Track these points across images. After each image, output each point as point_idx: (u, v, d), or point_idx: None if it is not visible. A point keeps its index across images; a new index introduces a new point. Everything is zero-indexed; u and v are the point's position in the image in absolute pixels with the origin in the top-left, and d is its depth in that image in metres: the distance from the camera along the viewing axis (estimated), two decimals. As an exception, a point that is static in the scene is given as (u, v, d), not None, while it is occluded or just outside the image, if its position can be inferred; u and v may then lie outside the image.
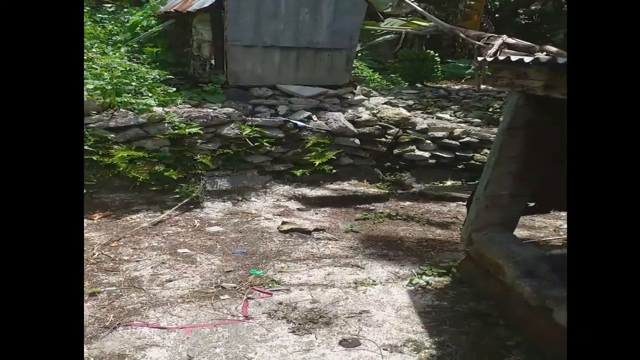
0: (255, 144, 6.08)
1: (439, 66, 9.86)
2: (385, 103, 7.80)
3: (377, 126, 6.75)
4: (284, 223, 5.06)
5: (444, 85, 9.83)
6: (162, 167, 5.48)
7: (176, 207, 5.35)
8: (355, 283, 3.86)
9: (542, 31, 13.65)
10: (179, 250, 4.44)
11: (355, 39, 7.11)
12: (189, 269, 4.09)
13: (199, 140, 5.81)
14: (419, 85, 9.61)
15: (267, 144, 6.12)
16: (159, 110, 5.80)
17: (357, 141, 6.55)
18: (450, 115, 7.80)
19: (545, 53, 7.43)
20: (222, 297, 3.61)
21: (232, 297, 3.61)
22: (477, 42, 8.33)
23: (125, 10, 8.95)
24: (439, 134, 6.94)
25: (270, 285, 3.81)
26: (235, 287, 3.76)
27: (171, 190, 5.49)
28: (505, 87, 3.52)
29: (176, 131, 5.67)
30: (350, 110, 6.89)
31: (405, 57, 9.62)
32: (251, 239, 4.75)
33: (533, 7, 14.00)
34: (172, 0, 8.30)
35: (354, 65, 8.17)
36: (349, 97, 7.19)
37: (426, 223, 5.32)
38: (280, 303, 3.53)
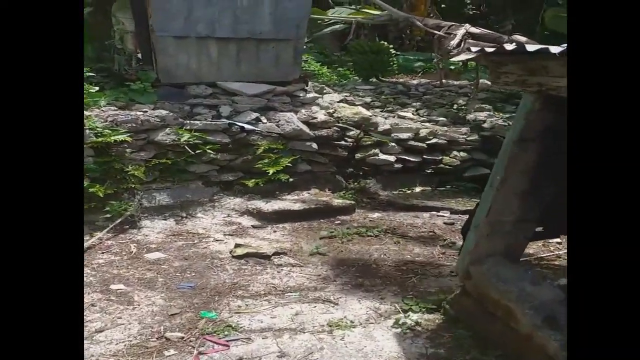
0: (197, 151, 5.44)
1: (394, 59, 9.43)
2: (341, 101, 7.29)
3: (335, 128, 6.23)
4: (237, 246, 4.45)
5: (401, 80, 9.43)
6: (86, 182, 4.76)
7: (108, 228, 4.65)
8: (330, 325, 3.29)
9: (490, 22, 13.67)
10: (112, 287, 3.77)
11: (303, 28, 6.57)
12: (124, 312, 3.44)
13: (128, 149, 5.12)
14: (374, 80, 9.16)
15: (211, 151, 5.49)
16: (77, 114, 5.06)
17: (314, 145, 6.01)
18: (413, 114, 7.37)
19: (514, 44, 7.11)
20: (166, 354, 2.97)
21: (179, 353, 2.98)
22: (436, 32, 7.95)
23: None
24: (404, 136, 6.49)
25: (226, 332, 3.19)
26: (182, 338, 3.13)
27: (100, 209, 4.78)
28: (513, 85, 3.05)
29: (100, 139, 4.96)
30: (303, 110, 6.34)
31: (357, 49, 9.14)
32: (199, 268, 4.11)
33: None
34: (90, -16, 7.53)
35: (303, 59, 7.61)
36: (301, 94, 6.64)
37: (401, 239, 4.83)
38: (240, 358, 2.93)
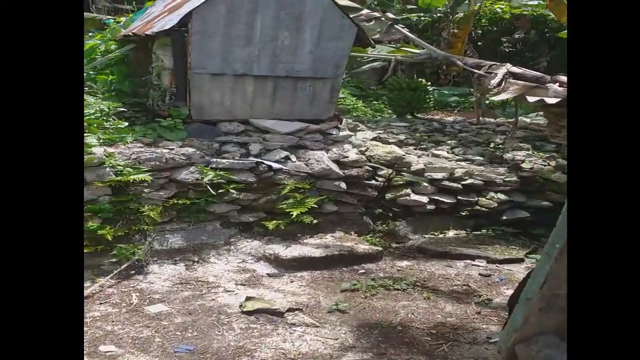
0: (219, 190, 4.75)
1: (431, 96, 8.60)
2: (374, 138, 6.52)
3: (366, 167, 5.45)
4: (248, 299, 3.71)
5: (436, 117, 8.58)
6: (97, 223, 4.13)
7: (112, 274, 3.99)
8: (343, 412, 2.50)
9: (525, 59, 12.87)
10: (101, 348, 3.07)
11: (341, 68, 5.85)
12: (107, 383, 2.73)
13: (146, 189, 4.47)
14: (409, 116, 8.35)
15: (234, 191, 4.79)
16: (99, 151, 4.47)
17: (342, 185, 5.24)
18: (448, 152, 6.53)
19: (558, 84, 6.21)
20: None
21: None
22: (476, 71, 7.11)
23: (90, 34, 7.67)
24: (438, 175, 5.65)
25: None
26: None
27: (108, 252, 4.14)
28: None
29: (119, 177, 4.34)
30: (334, 149, 5.59)
31: (395, 86, 8.37)
32: (203, 326, 3.38)
33: (516, 36, 13.05)
34: (136, 22, 7.04)
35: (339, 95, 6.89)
36: (334, 132, 5.91)
37: (431, 294, 3.98)
38: None
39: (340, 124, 6.10)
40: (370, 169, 5.45)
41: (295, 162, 5.25)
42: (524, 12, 12.59)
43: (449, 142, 6.96)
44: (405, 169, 5.64)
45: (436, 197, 5.56)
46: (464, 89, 11.84)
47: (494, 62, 7.14)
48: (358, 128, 6.81)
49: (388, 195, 5.46)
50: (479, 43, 12.64)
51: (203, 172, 4.76)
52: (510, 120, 7.99)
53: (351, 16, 6.09)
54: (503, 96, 6.37)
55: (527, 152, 6.60)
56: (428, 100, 8.44)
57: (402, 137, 6.91)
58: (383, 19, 8.69)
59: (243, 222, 4.93)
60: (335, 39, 5.63)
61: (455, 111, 9.45)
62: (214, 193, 4.70)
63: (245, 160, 5.06)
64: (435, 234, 5.39)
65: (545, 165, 6.21)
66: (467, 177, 5.76)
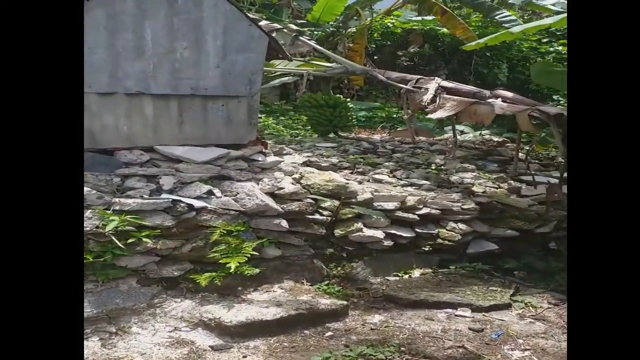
0: (129, 240, 3.86)
1: (353, 113, 8.19)
2: (305, 163, 5.92)
3: (308, 200, 4.80)
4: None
5: (363, 136, 8.17)
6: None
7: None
8: None
9: (424, 72, 13.27)
10: None
11: (256, 84, 5.17)
12: None
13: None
14: (333, 135, 7.86)
15: (148, 240, 3.92)
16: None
17: (283, 223, 4.54)
18: (389, 176, 6.08)
19: (500, 99, 6.03)
20: None
21: None
22: (402, 86, 6.79)
23: None
24: (389, 205, 5.14)
25: None
26: None
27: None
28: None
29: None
30: (266, 179, 4.88)
31: (312, 103, 7.85)
32: None
33: (411, 49, 13.56)
34: None
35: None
36: (259, 158, 5.21)
37: (422, 361, 3.38)
38: None
39: (266, 148, 5.42)
40: (312, 201, 4.81)
41: (221, 197, 4.48)
42: (414, 27, 13.16)
43: (386, 164, 6.52)
44: (350, 199, 5.07)
45: (392, 231, 5.04)
46: (369, 103, 11.79)
47: (420, 76, 6.88)
48: (284, 152, 6.16)
49: (337, 232, 4.84)
50: (375, 57, 12.95)
51: (104, 217, 3.85)
52: (441, 138, 7.78)
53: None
54: (440, 114, 6.07)
55: (472, 173, 6.34)
56: (351, 118, 8.00)
57: (334, 160, 6.35)
58: (285, 30, 8.18)
59: (166, 278, 4.08)
60: (244, 51, 4.99)
61: (379, 128, 9.13)
62: (122, 246, 3.80)
63: (157, 198, 4.21)
64: (400, 274, 4.85)
65: (497, 188, 5.97)
66: (421, 206, 5.30)
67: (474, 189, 5.85)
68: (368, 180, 5.87)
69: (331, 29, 12.39)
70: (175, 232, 4.17)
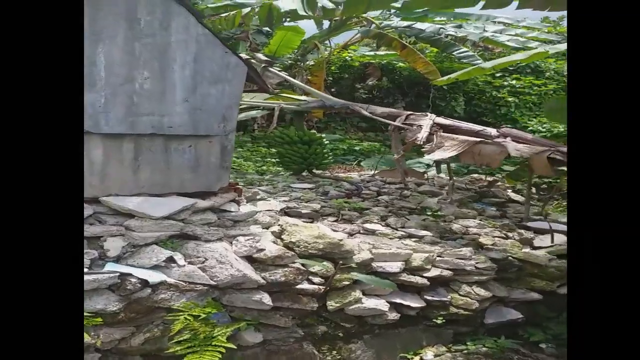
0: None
1: (328, 151, 7.19)
2: (284, 211, 4.87)
3: (295, 265, 3.73)
4: None
5: (341, 175, 7.17)
6: None
7: None
8: None
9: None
10: None
11: (232, 121, 4.10)
12: None
13: None
14: (306, 174, 6.84)
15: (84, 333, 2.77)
16: None
17: (266, 299, 3.47)
18: (382, 225, 5.09)
19: (510, 138, 5.16)
20: None
21: None
22: (391, 122, 5.84)
23: None
24: (393, 267, 4.14)
25: None
26: None
27: None
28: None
29: None
30: (241, 238, 3.80)
31: (284, 139, 6.83)
32: None
33: (370, 82, 13.18)
34: None
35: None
36: (232, 209, 4.11)
37: None
38: None
39: (240, 195, 4.34)
40: (301, 267, 3.74)
41: (184, 266, 3.37)
42: (371, 61, 13.03)
43: (374, 209, 5.51)
44: (346, 259, 4.04)
45: (397, 300, 4.02)
46: (328, 135, 11.17)
47: (411, 112, 5.96)
48: (258, 196, 5.09)
49: (332, 304, 3.78)
50: (333, 89, 12.66)
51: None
52: (426, 177, 6.87)
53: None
54: (440, 155, 5.13)
55: (475, 220, 5.43)
56: (326, 155, 7.00)
57: (315, 205, 5.29)
58: (254, 61, 7.19)
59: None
60: (218, 82, 3.94)
61: (354, 165, 8.17)
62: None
63: (99, 272, 3.06)
64: (409, 356, 3.82)
65: (505, 238, 5.07)
66: (429, 266, 4.32)
67: (482, 240, 4.92)
68: (359, 232, 4.85)
69: (289, 61, 12.03)
70: (123, 319, 3.03)
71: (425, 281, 4.19)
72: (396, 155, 5.73)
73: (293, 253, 3.77)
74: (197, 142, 3.94)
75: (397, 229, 5.02)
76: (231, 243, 3.75)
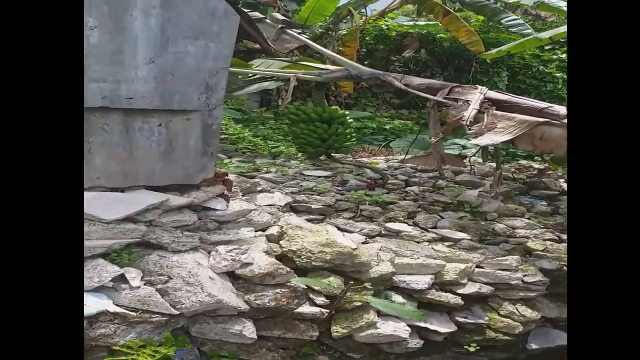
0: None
1: (352, 130, 6.25)
2: (288, 205, 4.00)
3: (292, 284, 2.86)
4: None
5: (364, 159, 6.25)
6: None
7: None
8: None
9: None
10: None
11: (219, 91, 3.20)
12: None
13: None
14: (324, 158, 5.94)
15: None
16: None
17: (249, 330, 2.62)
18: (409, 224, 4.18)
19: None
20: None
21: None
22: (429, 97, 4.85)
23: None
24: (419, 283, 3.26)
25: None
26: None
27: None
28: None
29: None
30: (222, 248, 2.94)
31: (300, 116, 5.92)
32: None
33: (406, 54, 12.13)
34: None
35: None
36: (218, 206, 3.26)
37: None
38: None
39: (230, 189, 3.48)
40: (302, 286, 2.88)
41: (139, 288, 2.54)
42: (409, 31, 12.07)
43: (401, 203, 4.59)
44: (359, 272, 3.16)
45: (421, 323, 3.13)
46: (357, 112, 10.45)
47: (456, 84, 4.96)
48: (258, 187, 4.22)
49: (337, 330, 2.92)
50: (366, 62, 11.64)
51: None
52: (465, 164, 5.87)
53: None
54: (490, 139, 4.10)
55: (523, 220, 4.47)
56: (349, 137, 6.07)
57: (328, 198, 4.40)
58: (269, 20, 6.25)
59: None
60: (199, 37, 3.02)
61: (381, 148, 7.22)
62: None
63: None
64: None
65: (557, 241, 4.10)
66: (465, 280, 3.41)
67: (530, 244, 3.97)
68: (380, 233, 3.95)
69: (320, 30, 11.10)
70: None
71: (458, 300, 3.29)
72: (434, 138, 4.75)
73: (288, 270, 2.90)
74: (170, 120, 3.07)
75: (427, 230, 4.10)
76: (209, 253, 2.90)
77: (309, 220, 3.95)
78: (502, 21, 9.23)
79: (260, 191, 4.17)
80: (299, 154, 6.25)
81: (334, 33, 11.18)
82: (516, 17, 9.55)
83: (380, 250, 3.51)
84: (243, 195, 3.83)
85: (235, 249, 2.88)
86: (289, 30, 6.20)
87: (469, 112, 4.35)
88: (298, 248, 3.11)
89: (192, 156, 3.15)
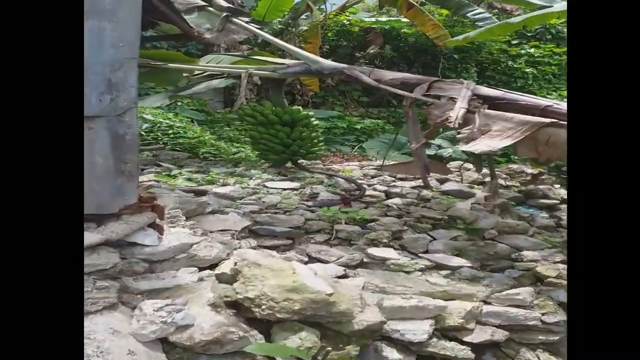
0: None
1: (318, 133, 5.46)
2: (247, 230, 3.21)
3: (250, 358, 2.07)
4: None
5: (336, 167, 5.47)
6: None
7: None
8: None
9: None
10: None
11: (128, 88, 2.36)
12: None
13: None
14: (290, 166, 5.16)
15: None
16: None
17: None
18: (396, 247, 3.42)
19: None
20: None
21: None
22: (405, 94, 4.09)
23: None
24: (416, 332, 2.52)
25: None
26: None
27: None
28: None
29: None
30: (149, 306, 2.11)
31: (257, 118, 5.11)
32: None
33: (371, 51, 11.71)
34: None
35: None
36: (147, 240, 2.43)
37: None
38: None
39: (162, 217, 2.65)
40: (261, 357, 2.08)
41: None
42: (373, 26, 11.62)
43: (383, 220, 3.83)
44: (339, 323, 2.38)
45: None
46: (326, 112, 10.03)
47: (436, 78, 4.19)
48: (208, 208, 3.39)
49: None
50: (330, 59, 10.81)
51: None
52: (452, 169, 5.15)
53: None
54: (486, 145, 3.34)
55: (526, 236, 3.78)
56: (316, 142, 5.27)
57: (297, 218, 3.60)
58: (212, 9, 5.39)
59: None
60: (88, 15, 2.20)
61: (354, 153, 6.47)
62: None
63: None
64: None
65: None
66: (472, 325, 2.67)
67: (541, 269, 3.27)
68: (361, 262, 3.19)
69: (279, 26, 10.62)
70: None
71: (468, 353, 2.55)
72: (414, 144, 3.99)
73: (242, 334, 2.09)
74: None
75: (417, 255, 3.35)
76: (134, 311, 2.08)
77: (273, 247, 3.20)
78: (468, 15, 8.94)
79: (212, 212, 3.35)
80: (261, 161, 5.45)
81: (294, 29, 10.65)
82: (482, 10, 9.28)
83: (363, 289, 2.74)
84: (187, 220, 3.01)
85: (167, 305, 2.05)
86: (235, 19, 5.35)
87: (457, 112, 3.60)
88: (256, 295, 2.31)
89: (102, 177, 2.31)
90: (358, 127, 8.96)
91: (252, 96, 11.76)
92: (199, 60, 5.69)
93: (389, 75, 4.55)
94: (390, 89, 4.34)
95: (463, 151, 3.96)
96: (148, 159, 5.30)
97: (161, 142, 6.54)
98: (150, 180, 4.04)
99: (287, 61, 5.38)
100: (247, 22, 5.46)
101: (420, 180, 4.38)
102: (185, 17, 5.14)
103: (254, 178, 4.59)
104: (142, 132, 6.61)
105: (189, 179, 4.38)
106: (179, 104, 8.38)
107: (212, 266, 2.61)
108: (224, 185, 4.31)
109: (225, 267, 2.58)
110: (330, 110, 10.43)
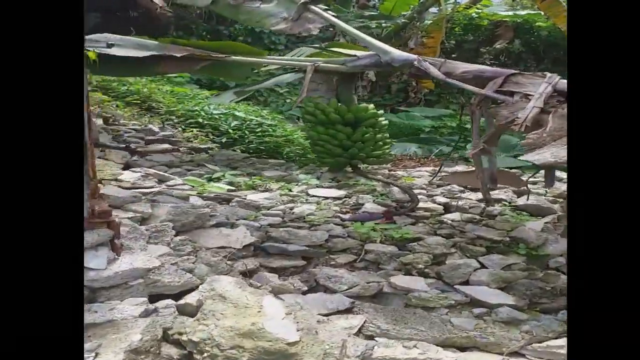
0: None
1: (386, 134, 4.92)
2: (253, 246, 2.83)
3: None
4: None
5: (400, 173, 4.91)
6: None
7: None
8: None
9: None
10: None
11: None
12: None
13: None
14: (350, 170, 4.70)
15: None
16: None
17: None
18: (428, 276, 2.86)
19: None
20: None
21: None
22: (474, 89, 3.44)
23: None
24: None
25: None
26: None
27: None
28: None
29: None
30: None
31: (317, 117, 4.70)
32: None
33: (498, 46, 11.23)
34: None
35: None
36: (91, 263, 2.14)
37: None
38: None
39: (118, 235, 2.33)
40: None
41: None
42: (504, 19, 11.12)
43: (428, 240, 3.25)
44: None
45: None
46: (439, 110, 9.87)
47: (515, 71, 3.48)
48: (211, 221, 3.05)
49: None
50: (453, 55, 10.63)
51: None
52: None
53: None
54: (554, 155, 2.61)
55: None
56: (381, 144, 4.75)
57: (320, 234, 3.15)
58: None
59: None
60: None
61: (425, 160, 5.84)
62: None
63: None
64: None
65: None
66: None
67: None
68: (376, 293, 2.68)
69: (403, 20, 10.30)
70: None
71: None
72: (472, 149, 3.35)
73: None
74: None
75: (452, 287, 2.76)
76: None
77: (280, 269, 2.78)
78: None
79: (217, 225, 3.01)
80: (316, 165, 5.04)
81: (418, 23, 10.36)
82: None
83: (359, 331, 2.24)
84: (177, 235, 2.69)
85: (86, 353, 1.71)
86: (313, 7, 4.94)
87: (527, 113, 2.94)
88: (202, 338, 1.92)
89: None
90: (468, 126, 8.27)
91: (365, 93, 11.42)
92: (265, 53, 5.39)
93: (462, 67, 3.91)
94: (459, 85, 3.73)
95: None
96: (202, 159, 5.10)
97: (246, 141, 6.39)
98: (167, 186, 3.78)
99: (358, 53, 4.91)
100: (325, 9, 5.06)
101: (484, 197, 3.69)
102: (263, 6, 4.90)
103: (300, 184, 4.19)
104: (230, 130, 6.50)
105: (230, 183, 4.08)
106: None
107: (176, 297, 2.25)
108: (264, 191, 3.96)
109: (191, 298, 2.23)
110: (443, 109, 10.04)
